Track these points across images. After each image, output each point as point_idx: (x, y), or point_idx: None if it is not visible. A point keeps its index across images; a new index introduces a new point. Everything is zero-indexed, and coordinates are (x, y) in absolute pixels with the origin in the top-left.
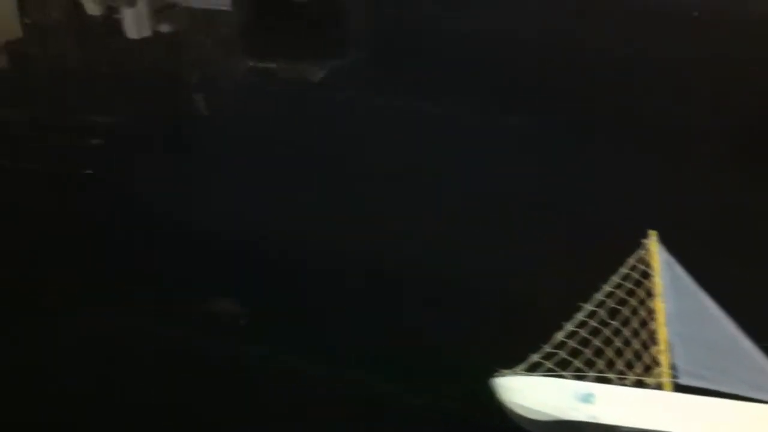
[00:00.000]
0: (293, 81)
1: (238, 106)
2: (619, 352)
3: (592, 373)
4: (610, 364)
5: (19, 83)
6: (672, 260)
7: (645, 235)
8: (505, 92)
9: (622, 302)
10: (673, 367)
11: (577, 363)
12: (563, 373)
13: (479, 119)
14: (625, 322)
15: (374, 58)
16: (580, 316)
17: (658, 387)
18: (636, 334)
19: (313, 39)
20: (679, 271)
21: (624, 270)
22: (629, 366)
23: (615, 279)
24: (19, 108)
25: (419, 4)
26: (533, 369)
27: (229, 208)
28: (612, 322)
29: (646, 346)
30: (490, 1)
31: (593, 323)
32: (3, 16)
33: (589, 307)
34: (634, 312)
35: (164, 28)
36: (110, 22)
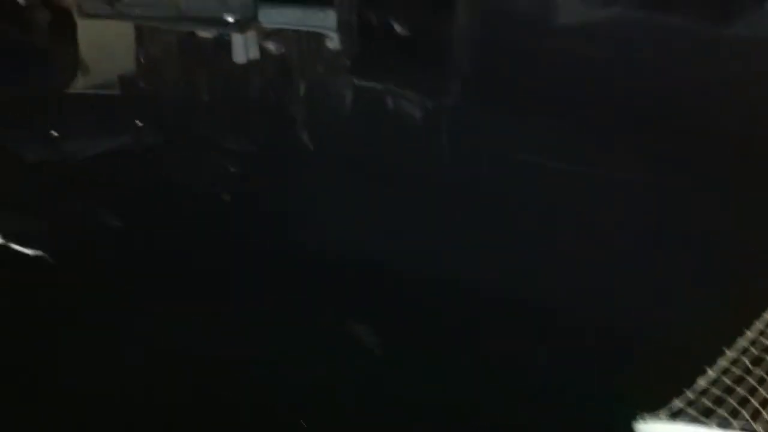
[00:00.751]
0: (397, 111)
1: (344, 131)
2: (765, 403)
3: (737, 423)
4: (756, 415)
5: (132, 113)
6: None
7: None
8: (615, 139)
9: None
10: None
11: (721, 412)
12: (708, 422)
13: (585, 167)
14: None
15: (475, 95)
16: (724, 363)
17: None
18: None
19: (417, 73)
20: None
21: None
22: None
23: (759, 325)
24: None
25: (520, 48)
26: (676, 416)
27: (341, 232)
28: (757, 370)
29: None
30: (604, 48)
31: (737, 371)
32: (119, 50)
33: (733, 353)
34: None
35: (272, 50)
36: (220, 47)
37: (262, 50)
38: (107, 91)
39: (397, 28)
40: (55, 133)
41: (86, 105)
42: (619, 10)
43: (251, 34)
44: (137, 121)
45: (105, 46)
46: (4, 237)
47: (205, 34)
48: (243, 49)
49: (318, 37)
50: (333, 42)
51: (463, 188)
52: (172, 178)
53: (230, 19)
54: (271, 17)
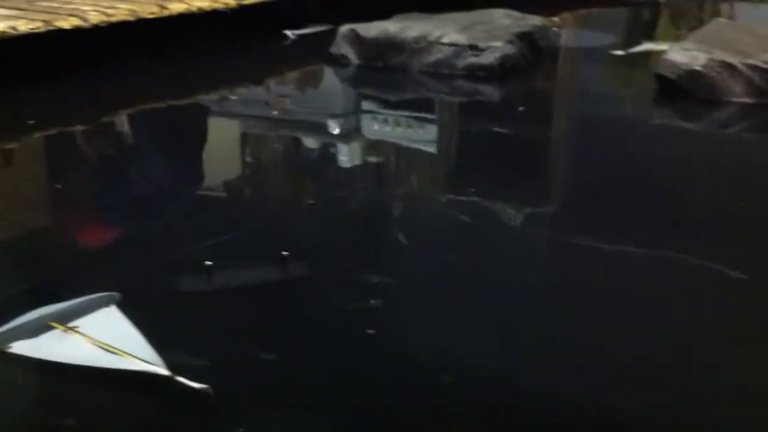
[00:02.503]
0: (492, 221)
1: (438, 240)
2: None
3: None
4: None
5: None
6: None
7: None
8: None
9: None
10: None
11: None
12: None
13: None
14: None
15: (572, 205)
16: None
17: None
18: None
19: (516, 183)
20: None
21: None
22: None
23: None
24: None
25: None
26: None
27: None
28: None
29: None
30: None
31: None
32: (225, 155)
33: None
34: None
35: (373, 159)
36: (325, 155)
37: (364, 160)
38: (201, 193)
39: (496, 138)
40: (208, 263)
41: (235, 235)
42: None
43: (355, 145)
44: (283, 252)
45: (209, 149)
46: (173, 369)
47: (310, 142)
48: (347, 158)
49: (417, 148)
50: (432, 154)
51: (571, 300)
52: (319, 309)
53: (335, 131)
54: (373, 131)
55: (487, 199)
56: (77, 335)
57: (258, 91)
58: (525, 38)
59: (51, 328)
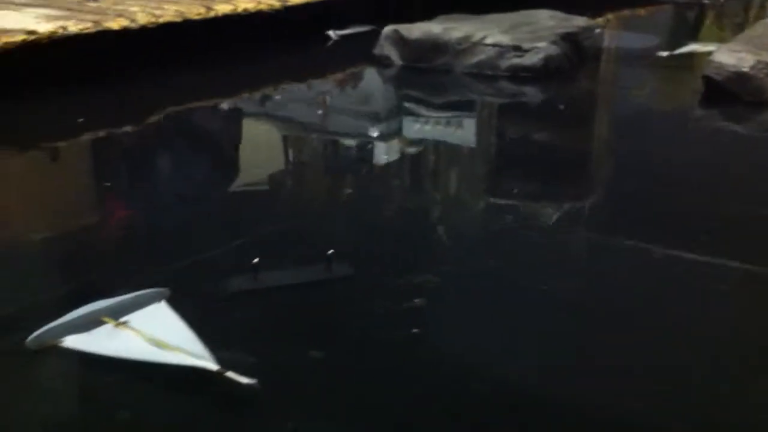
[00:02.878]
0: (531, 223)
1: (478, 241)
2: None
3: None
4: None
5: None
6: None
7: None
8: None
9: None
10: None
11: None
12: None
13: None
14: None
15: (612, 208)
16: None
17: None
18: None
19: (553, 181)
20: None
21: None
22: None
23: None
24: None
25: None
26: None
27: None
28: None
29: None
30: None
31: None
32: (269, 155)
33: None
34: None
35: (414, 160)
36: (366, 156)
37: (403, 159)
38: (244, 192)
39: (535, 139)
40: (255, 261)
41: (280, 233)
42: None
43: (394, 143)
44: (329, 251)
45: (253, 148)
46: (223, 364)
47: (351, 142)
48: (388, 158)
49: (458, 149)
50: (473, 155)
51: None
52: (364, 309)
53: (374, 133)
54: (414, 131)
55: (526, 200)
56: (128, 330)
57: (301, 92)
58: (569, 39)
59: (102, 323)
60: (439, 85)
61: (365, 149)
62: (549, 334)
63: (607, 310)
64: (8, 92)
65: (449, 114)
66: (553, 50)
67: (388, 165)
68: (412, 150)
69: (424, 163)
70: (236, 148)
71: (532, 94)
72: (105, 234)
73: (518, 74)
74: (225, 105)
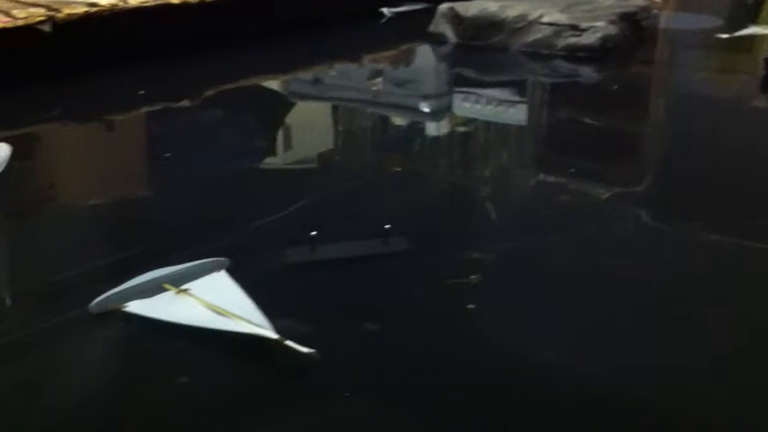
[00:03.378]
0: (579, 199)
1: (528, 220)
2: None
3: None
4: None
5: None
6: None
7: None
8: None
9: None
10: None
11: None
12: None
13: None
14: None
15: (662, 186)
16: None
17: None
18: None
19: (606, 160)
20: None
21: None
22: None
23: None
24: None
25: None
26: None
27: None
28: None
29: None
30: None
31: None
32: (319, 126)
33: None
34: None
35: (459, 135)
36: (410, 131)
37: (452, 136)
38: (298, 166)
39: (589, 120)
40: (314, 233)
41: (340, 205)
42: None
43: (444, 122)
44: (386, 226)
45: (307, 124)
46: (282, 333)
47: (399, 119)
48: (434, 135)
49: (508, 128)
50: (525, 133)
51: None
52: (419, 282)
53: (426, 110)
54: (465, 109)
55: (580, 179)
56: (189, 297)
57: (354, 69)
58: (627, 19)
59: (164, 289)
60: (493, 63)
61: (418, 127)
62: (604, 313)
63: (663, 291)
64: (72, 65)
65: (502, 92)
66: (612, 30)
67: (440, 142)
68: (465, 128)
69: (477, 141)
70: (288, 125)
71: (588, 74)
72: (165, 203)
73: (575, 54)
74: (280, 82)
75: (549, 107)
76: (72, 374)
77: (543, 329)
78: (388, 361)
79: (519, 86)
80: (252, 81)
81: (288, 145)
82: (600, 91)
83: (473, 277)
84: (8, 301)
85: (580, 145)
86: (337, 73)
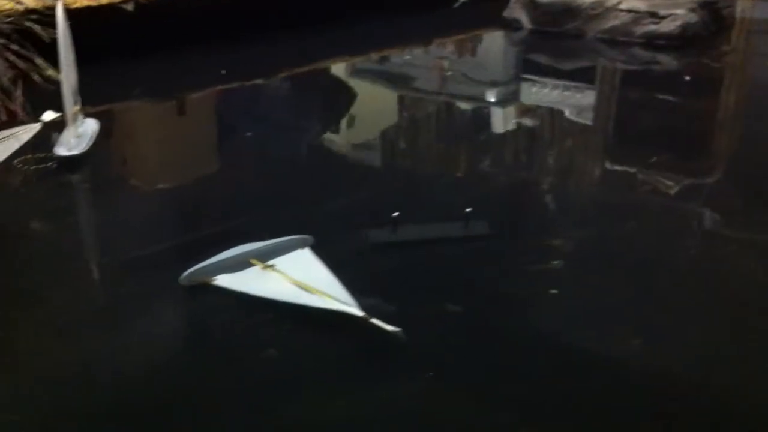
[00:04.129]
0: (647, 191)
1: (589, 209)
2: None
3: None
4: None
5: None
6: None
7: None
8: None
9: None
10: None
11: None
12: None
13: None
14: None
15: (732, 181)
16: None
17: None
18: None
19: (674, 154)
20: None
21: None
22: None
23: None
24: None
25: None
26: None
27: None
28: None
29: None
30: None
31: None
32: (387, 110)
33: None
34: None
35: (527, 123)
36: (477, 117)
37: (519, 124)
38: (368, 149)
39: (657, 107)
40: (395, 214)
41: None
42: None
43: (510, 109)
44: (467, 209)
45: (379, 108)
46: (366, 311)
47: (463, 105)
48: (501, 122)
49: (576, 115)
50: (589, 120)
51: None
52: (501, 266)
53: (492, 98)
54: (532, 96)
55: (644, 169)
56: (275, 273)
57: (426, 53)
58: (707, 7)
59: (250, 265)
60: (568, 50)
61: (491, 112)
62: (683, 302)
63: (742, 284)
64: (154, 44)
65: (575, 80)
66: (691, 18)
67: (512, 130)
68: (534, 116)
69: (545, 128)
70: (361, 108)
71: (666, 62)
72: (247, 181)
73: (653, 41)
74: (353, 64)
75: (624, 95)
76: (163, 343)
77: (624, 316)
78: (469, 342)
79: (595, 73)
80: (326, 63)
81: (362, 128)
82: (678, 80)
83: (555, 262)
84: (100, 272)
85: (657, 132)
86: (413, 56)
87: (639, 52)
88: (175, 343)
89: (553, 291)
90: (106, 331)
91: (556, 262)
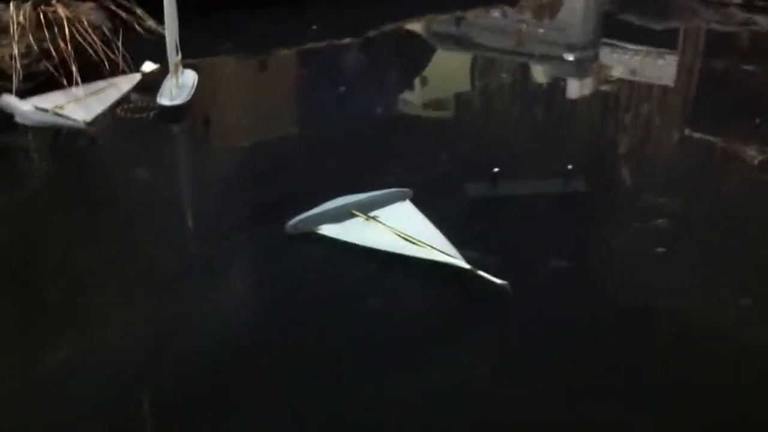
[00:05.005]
0: (729, 159)
1: (669, 175)
2: None
3: None
4: None
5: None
6: None
7: None
8: None
9: None
10: None
11: None
12: None
13: None
14: None
15: None
16: None
17: None
18: None
19: (756, 126)
20: None
21: None
22: None
23: None
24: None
25: None
26: None
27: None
28: None
29: None
30: None
31: None
32: (458, 76)
33: None
34: None
35: (605, 88)
36: (554, 82)
37: (597, 90)
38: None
39: (742, 77)
40: (496, 170)
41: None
42: None
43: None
44: (568, 166)
45: (445, 66)
46: (471, 264)
47: (541, 68)
48: (577, 87)
49: (655, 82)
50: (669, 88)
51: None
52: (606, 223)
53: (570, 58)
54: (610, 58)
55: (724, 138)
56: (378, 224)
57: (503, 15)
58: None
59: (353, 215)
60: (662, 9)
61: (555, 75)
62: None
63: None
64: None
65: (659, 43)
66: None
67: (577, 91)
68: (606, 76)
69: (618, 90)
70: (450, 68)
71: (764, 23)
72: (344, 136)
73: (753, 2)
74: (439, 23)
75: (702, 58)
76: (267, 290)
77: (734, 279)
78: (576, 297)
79: (682, 35)
80: (413, 23)
81: (447, 87)
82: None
83: (661, 221)
84: (207, 221)
85: (732, 101)
86: (482, 20)
87: (736, 12)
88: (276, 292)
89: (660, 249)
90: (210, 281)
91: (661, 221)
